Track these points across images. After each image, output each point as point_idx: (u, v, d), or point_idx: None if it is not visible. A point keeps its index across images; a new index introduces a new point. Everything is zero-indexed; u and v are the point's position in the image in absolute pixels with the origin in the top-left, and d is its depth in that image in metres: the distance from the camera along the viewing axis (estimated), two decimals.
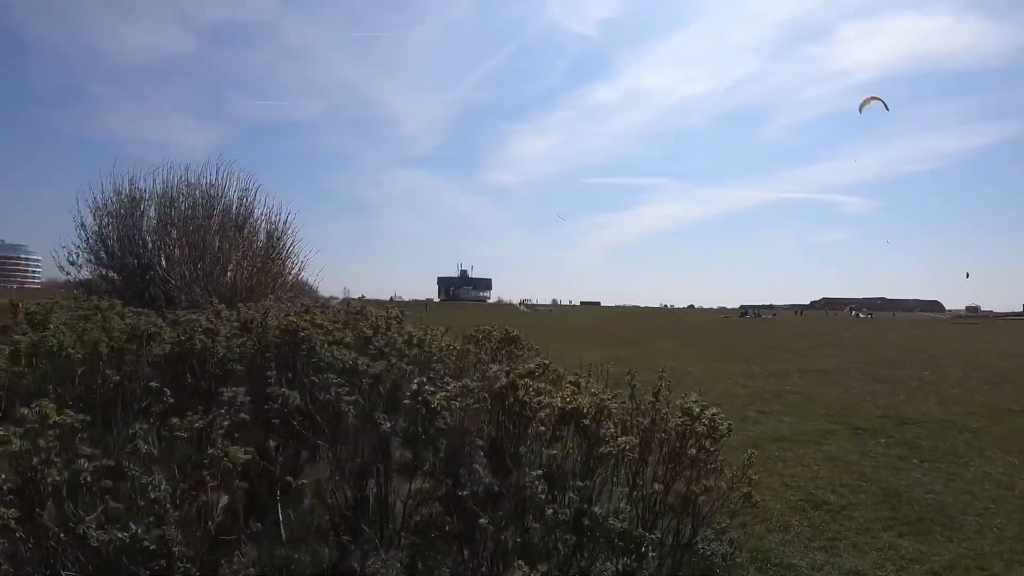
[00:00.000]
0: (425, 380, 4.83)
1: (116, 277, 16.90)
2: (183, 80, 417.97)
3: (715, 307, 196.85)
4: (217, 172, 17.87)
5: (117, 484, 4.10)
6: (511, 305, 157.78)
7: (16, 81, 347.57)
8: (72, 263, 17.32)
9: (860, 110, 44.35)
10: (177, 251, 16.65)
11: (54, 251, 17.07)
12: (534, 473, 4.29)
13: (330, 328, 6.92)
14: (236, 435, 4.56)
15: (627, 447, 4.49)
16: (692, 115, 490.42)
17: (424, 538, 4.87)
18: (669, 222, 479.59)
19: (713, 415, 4.59)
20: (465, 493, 4.39)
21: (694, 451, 4.54)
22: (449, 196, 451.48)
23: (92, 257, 17.22)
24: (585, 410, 4.67)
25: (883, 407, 13.33)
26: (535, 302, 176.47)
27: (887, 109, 46.44)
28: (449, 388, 4.81)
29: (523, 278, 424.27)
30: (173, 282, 15.72)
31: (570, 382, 5.15)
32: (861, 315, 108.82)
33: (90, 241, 17.09)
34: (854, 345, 32.29)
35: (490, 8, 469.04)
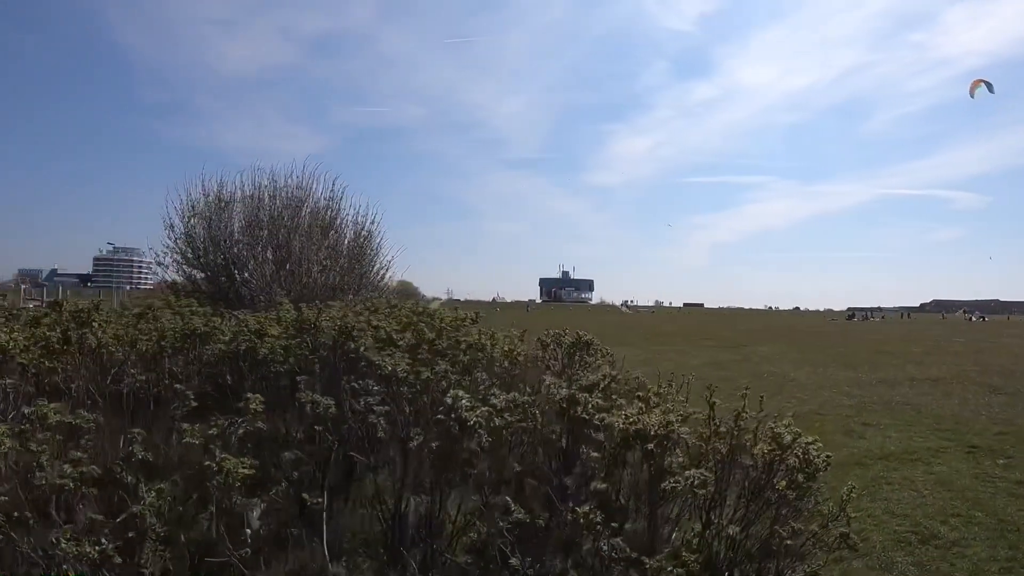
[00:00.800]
0: (461, 393, 4.20)
1: (201, 277, 16.99)
2: (286, 90, 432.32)
3: (821, 309, 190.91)
4: (303, 173, 17.79)
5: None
6: (613, 306, 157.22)
7: (124, 96, 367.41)
8: (159, 263, 17.59)
9: (971, 94, 42.01)
10: (261, 252, 16.63)
11: (142, 252, 17.41)
12: (581, 509, 3.62)
13: (387, 329, 6.39)
14: (249, 444, 4.35)
15: (696, 482, 3.71)
16: (795, 110, 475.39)
17: (477, 558, 4.32)
18: (774, 221, 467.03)
19: (807, 444, 3.81)
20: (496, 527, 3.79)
21: (784, 484, 3.79)
22: (550, 198, 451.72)
23: (180, 257, 17.39)
24: (653, 432, 3.93)
25: (1001, 422, 12.05)
26: (637, 303, 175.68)
27: (991, 91, 43.86)
28: (495, 401, 4.19)
29: (625, 279, 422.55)
30: (254, 282, 15.67)
31: (639, 397, 4.40)
32: (973, 318, 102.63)
33: (178, 242, 17.25)
34: (968, 351, 30.14)
35: (585, 8, 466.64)
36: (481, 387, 4.67)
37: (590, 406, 4.10)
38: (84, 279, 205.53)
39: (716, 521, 3.94)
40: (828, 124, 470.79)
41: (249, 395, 4.47)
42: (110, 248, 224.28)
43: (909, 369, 21.04)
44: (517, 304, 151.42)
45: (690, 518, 4.29)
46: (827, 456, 3.86)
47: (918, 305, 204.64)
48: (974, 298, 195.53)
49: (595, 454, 3.95)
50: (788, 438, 3.83)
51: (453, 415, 4.03)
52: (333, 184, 17.98)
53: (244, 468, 3.93)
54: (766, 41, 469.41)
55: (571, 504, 3.74)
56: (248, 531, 4.35)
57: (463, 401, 4.06)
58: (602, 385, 4.52)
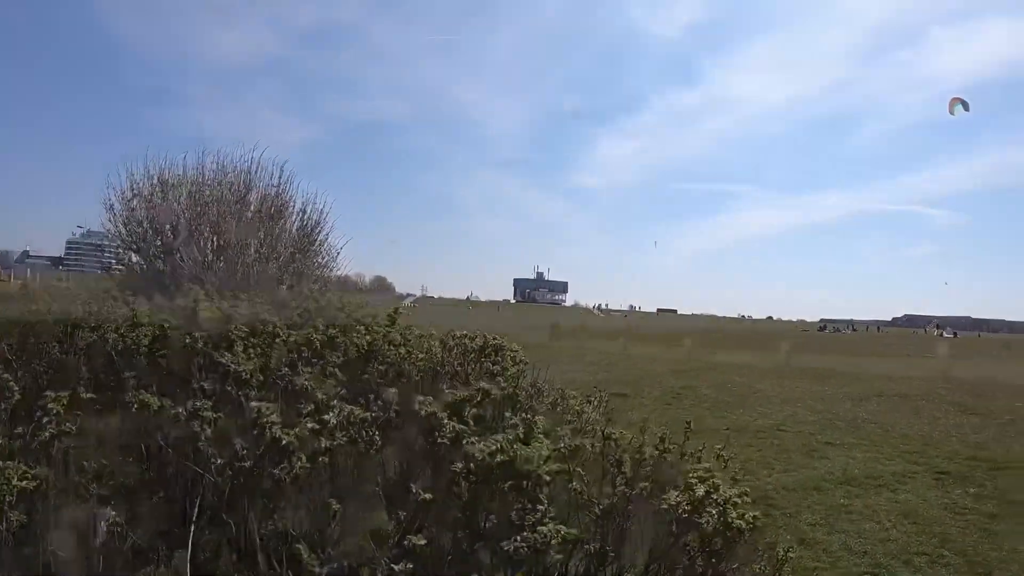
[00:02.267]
0: (268, 406, 3.28)
1: (137, 261, 16.06)
2: (276, 81, 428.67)
3: (795, 319, 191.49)
4: (252, 158, 16.90)
5: None
6: (586, 309, 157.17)
7: (109, 80, 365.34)
8: (97, 246, 16.79)
9: (951, 112, 42.02)
10: (199, 237, 15.77)
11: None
12: (398, 567, 2.72)
13: (278, 325, 5.51)
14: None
15: (553, 539, 2.70)
16: (779, 122, 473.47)
17: None
18: (752, 230, 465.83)
19: (726, 502, 2.82)
20: None
21: (696, 543, 2.86)
22: (531, 198, 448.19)
23: (119, 240, 16.49)
24: (524, 469, 2.89)
25: (972, 446, 11.20)
26: (610, 307, 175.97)
27: (966, 110, 43.99)
28: (328, 416, 3.29)
29: (602, 282, 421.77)
30: (187, 268, 14.77)
31: (524, 418, 3.43)
32: (945, 334, 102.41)
33: (117, 224, 16.33)
34: (939, 367, 29.56)
35: (573, 13, 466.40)
36: (321, 396, 3.73)
37: (448, 429, 3.16)
38: (56, 262, 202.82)
39: None
40: (813, 137, 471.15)
41: (49, 394, 3.74)
42: (81, 231, 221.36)
43: (878, 384, 20.32)
44: (491, 304, 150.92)
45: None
46: (754, 517, 2.93)
47: (890, 319, 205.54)
48: (945, 314, 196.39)
49: (427, 496, 2.96)
50: (701, 491, 2.88)
51: (255, 431, 3.13)
52: (281, 170, 17.09)
53: (24, 480, 3.24)
54: (754, 52, 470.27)
55: (386, 561, 2.82)
56: (97, 542, 3.86)
57: (272, 416, 3.15)
58: (476, 400, 3.55)
